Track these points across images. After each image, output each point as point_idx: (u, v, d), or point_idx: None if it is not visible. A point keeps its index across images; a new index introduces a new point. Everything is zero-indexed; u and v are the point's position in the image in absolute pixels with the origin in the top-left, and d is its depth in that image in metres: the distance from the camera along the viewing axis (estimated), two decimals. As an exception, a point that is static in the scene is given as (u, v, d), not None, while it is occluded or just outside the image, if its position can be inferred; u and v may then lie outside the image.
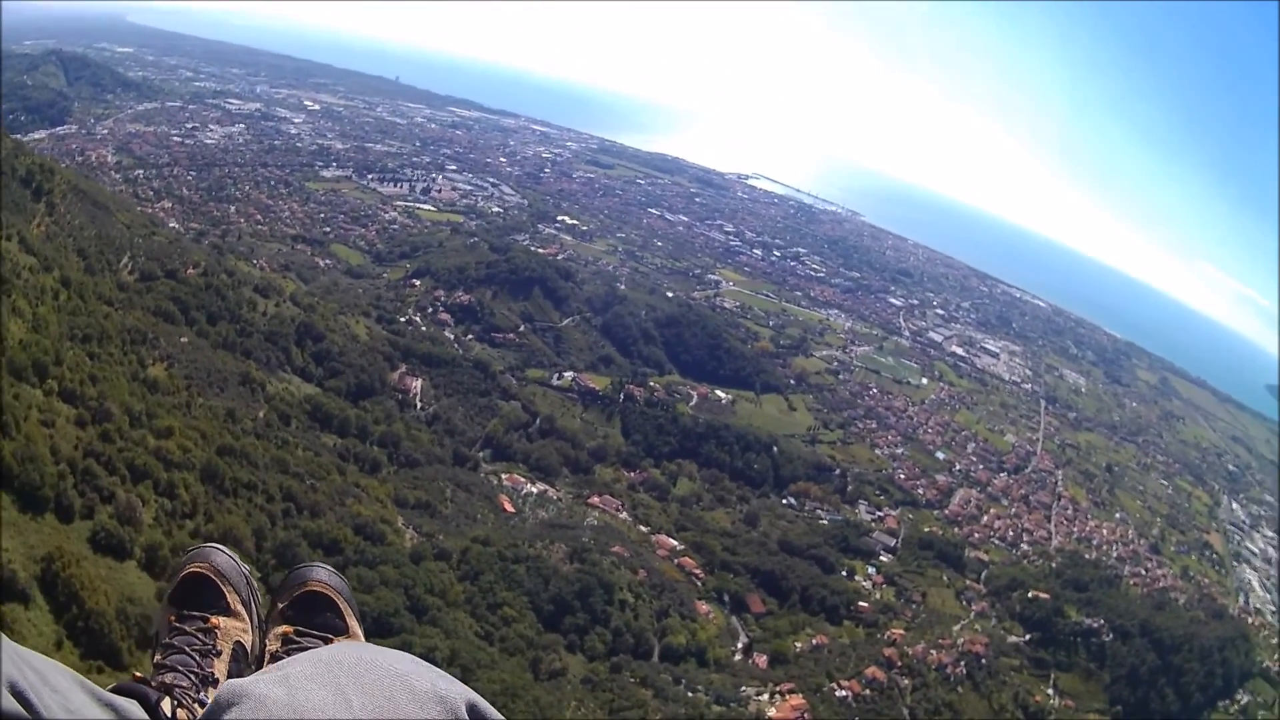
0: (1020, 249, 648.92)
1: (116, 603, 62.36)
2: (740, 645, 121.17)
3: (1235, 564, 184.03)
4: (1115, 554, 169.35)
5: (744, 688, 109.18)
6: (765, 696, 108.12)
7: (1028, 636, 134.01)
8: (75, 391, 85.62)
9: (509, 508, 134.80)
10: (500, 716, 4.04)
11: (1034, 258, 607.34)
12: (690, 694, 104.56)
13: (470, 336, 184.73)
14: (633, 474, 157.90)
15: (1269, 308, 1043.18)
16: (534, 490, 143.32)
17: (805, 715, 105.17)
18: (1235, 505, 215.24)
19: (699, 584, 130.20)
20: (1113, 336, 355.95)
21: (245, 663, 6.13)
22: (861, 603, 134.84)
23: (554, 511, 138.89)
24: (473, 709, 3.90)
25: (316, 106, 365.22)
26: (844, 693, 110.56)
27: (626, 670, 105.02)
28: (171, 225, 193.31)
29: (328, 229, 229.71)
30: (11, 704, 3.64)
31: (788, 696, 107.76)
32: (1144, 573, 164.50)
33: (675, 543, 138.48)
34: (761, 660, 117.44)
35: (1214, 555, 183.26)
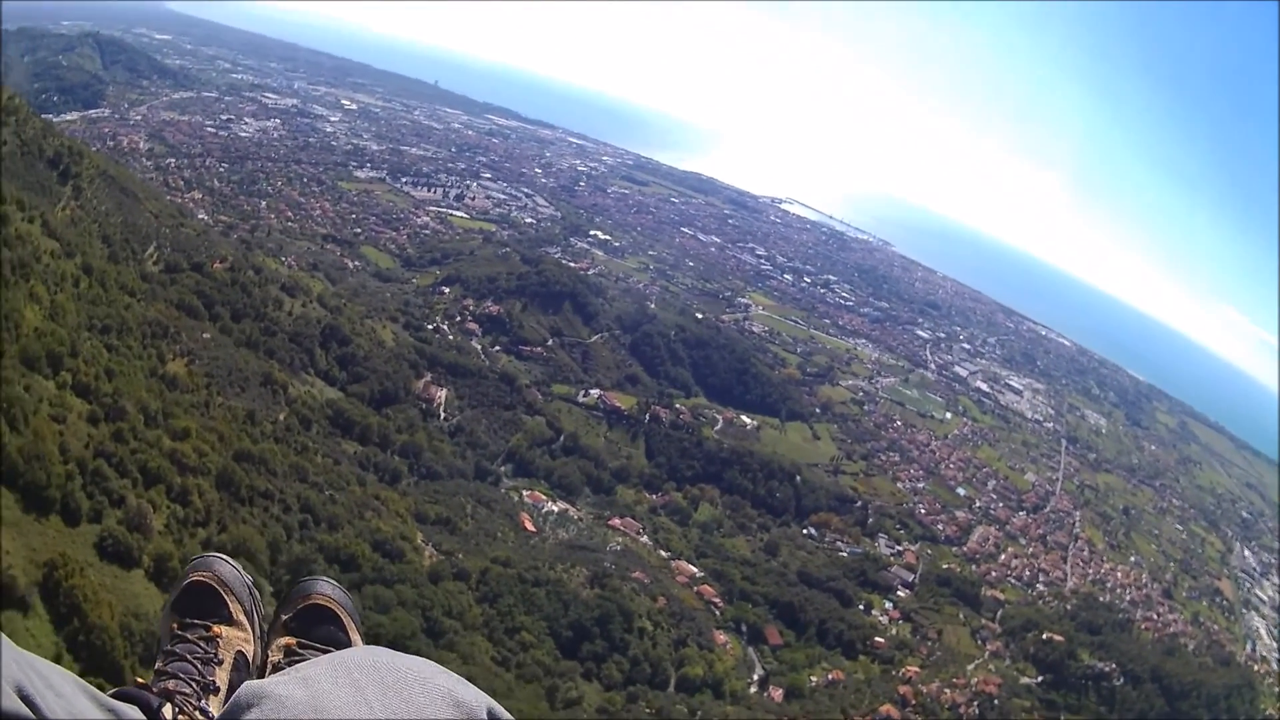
0: (1046, 286, 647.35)
1: (120, 617, 59.46)
2: (756, 677, 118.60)
3: (1244, 611, 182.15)
4: (1129, 598, 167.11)
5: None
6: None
7: (1040, 678, 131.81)
8: (90, 386, 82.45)
9: (530, 527, 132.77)
10: None
11: (1059, 296, 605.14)
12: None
13: (497, 348, 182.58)
14: (654, 496, 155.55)
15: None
16: (555, 509, 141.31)
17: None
18: (1247, 552, 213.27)
19: (717, 613, 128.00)
20: (1134, 378, 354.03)
21: (246, 672, 6.04)
22: (878, 638, 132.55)
23: (574, 532, 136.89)
24: (492, 715, 3.90)
25: (353, 106, 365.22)
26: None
27: (642, 700, 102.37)
28: (200, 217, 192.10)
29: (358, 230, 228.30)
30: (19, 707, 3.67)
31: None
32: (1156, 617, 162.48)
33: (695, 569, 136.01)
34: (777, 694, 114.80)
35: (1224, 602, 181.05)
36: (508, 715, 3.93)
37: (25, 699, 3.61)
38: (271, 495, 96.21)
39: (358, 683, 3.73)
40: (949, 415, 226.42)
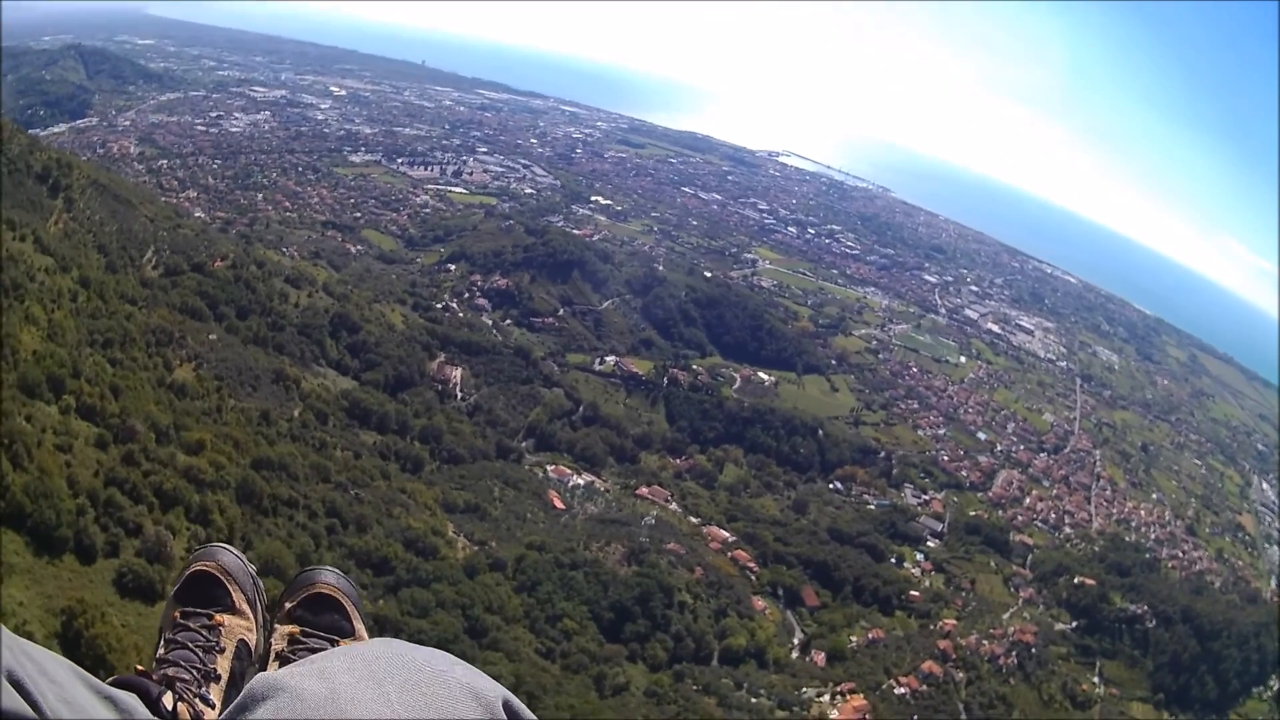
0: (1046, 223, 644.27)
1: (149, 666, 57.29)
2: (797, 642, 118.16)
3: (1267, 546, 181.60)
4: (1153, 536, 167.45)
5: (805, 689, 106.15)
6: (826, 697, 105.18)
7: (1074, 624, 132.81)
8: (95, 407, 79.73)
9: (558, 504, 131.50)
10: (533, 716, 3.97)
11: (1060, 232, 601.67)
12: (753, 699, 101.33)
13: (509, 322, 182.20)
14: (679, 461, 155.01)
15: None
16: (580, 482, 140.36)
17: (866, 717, 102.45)
18: (1265, 485, 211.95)
19: (753, 578, 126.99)
20: (1142, 312, 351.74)
21: (249, 661, 6.15)
22: (913, 592, 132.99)
23: (603, 505, 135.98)
24: (508, 706, 3.91)
25: (343, 92, 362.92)
26: (902, 689, 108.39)
27: (689, 678, 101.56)
28: (197, 215, 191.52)
29: (358, 214, 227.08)
30: (11, 695, 3.70)
31: (848, 697, 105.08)
32: (1181, 555, 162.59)
33: (727, 534, 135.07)
34: (819, 658, 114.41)
35: (1246, 537, 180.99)
36: (522, 705, 3.91)
37: (18, 687, 3.63)
38: (295, 503, 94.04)
39: (376, 676, 3.71)
40: (963, 359, 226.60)
